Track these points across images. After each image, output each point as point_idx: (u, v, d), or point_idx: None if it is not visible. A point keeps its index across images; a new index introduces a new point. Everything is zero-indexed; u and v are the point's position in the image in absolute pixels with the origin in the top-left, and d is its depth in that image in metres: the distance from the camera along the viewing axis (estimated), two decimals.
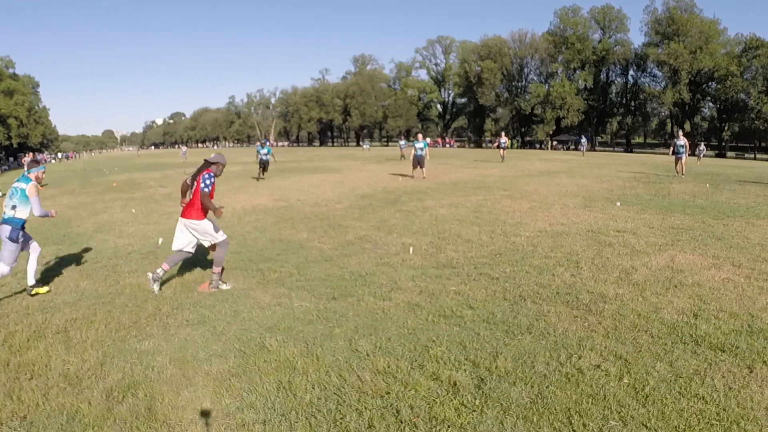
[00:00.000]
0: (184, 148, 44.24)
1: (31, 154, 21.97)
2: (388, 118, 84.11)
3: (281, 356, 3.63)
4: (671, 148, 17.89)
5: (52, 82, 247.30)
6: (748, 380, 3.12)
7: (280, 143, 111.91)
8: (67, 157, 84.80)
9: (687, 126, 58.15)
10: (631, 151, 58.22)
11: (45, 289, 5.37)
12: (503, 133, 32.51)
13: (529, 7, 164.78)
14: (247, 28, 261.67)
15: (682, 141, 17.94)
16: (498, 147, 28.85)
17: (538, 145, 66.12)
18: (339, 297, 4.92)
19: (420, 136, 18.07)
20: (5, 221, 5.10)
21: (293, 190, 14.73)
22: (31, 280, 5.31)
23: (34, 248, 5.47)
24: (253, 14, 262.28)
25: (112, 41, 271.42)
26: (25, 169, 5.53)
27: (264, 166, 18.25)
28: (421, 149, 17.13)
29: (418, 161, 17.20)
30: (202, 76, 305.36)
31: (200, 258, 6.68)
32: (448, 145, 75.41)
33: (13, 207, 5.13)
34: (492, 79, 65.43)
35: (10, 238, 5.04)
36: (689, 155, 18.23)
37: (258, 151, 18.53)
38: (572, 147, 57.60)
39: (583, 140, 42.50)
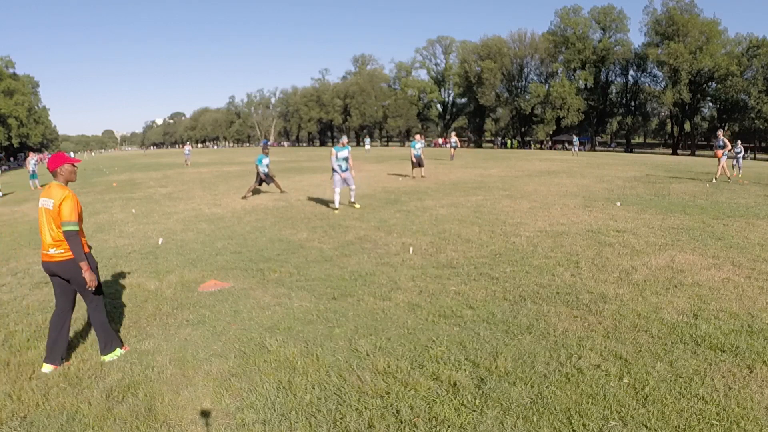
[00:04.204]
0: (188, 148, 35.24)
1: (30, 153, 21.96)
2: (388, 118, 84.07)
3: (281, 356, 3.62)
4: (730, 155, 16.90)
5: (52, 82, 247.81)
6: (748, 380, 3.11)
7: (280, 143, 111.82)
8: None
9: (687, 126, 58.17)
10: (631, 151, 58.22)
11: None
12: (453, 133, 34.50)
13: (529, 7, 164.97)
14: (247, 28, 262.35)
15: (739, 147, 17.29)
16: (450, 146, 30.66)
17: (538, 145, 66.14)
18: (339, 297, 4.92)
19: (418, 136, 18.44)
20: None
21: (293, 190, 14.73)
22: None
23: None
24: (253, 14, 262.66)
25: (111, 41, 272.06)
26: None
27: (262, 180, 13.36)
28: (419, 149, 17.50)
29: (418, 161, 17.37)
30: (202, 76, 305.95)
31: (200, 257, 6.68)
32: (446, 145, 75.34)
33: None
34: (492, 79, 65.37)
35: None
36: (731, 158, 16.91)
37: (259, 163, 13.16)
38: (567, 147, 57.43)
39: (575, 140, 41.10)
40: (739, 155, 17.65)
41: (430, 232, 8.00)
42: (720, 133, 16.34)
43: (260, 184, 13.52)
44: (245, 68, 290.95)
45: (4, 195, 18.01)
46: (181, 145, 69.00)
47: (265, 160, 13.24)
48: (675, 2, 52.65)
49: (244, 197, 13.24)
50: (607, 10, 60.89)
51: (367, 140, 59.17)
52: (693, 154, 49.64)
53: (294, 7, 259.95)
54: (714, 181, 15.86)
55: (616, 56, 60.80)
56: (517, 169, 22.11)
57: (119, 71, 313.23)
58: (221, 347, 3.83)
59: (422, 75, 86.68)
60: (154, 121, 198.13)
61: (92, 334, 4.16)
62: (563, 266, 5.80)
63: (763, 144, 55.28)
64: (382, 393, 3.09)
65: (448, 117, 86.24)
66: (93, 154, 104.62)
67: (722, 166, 16.07)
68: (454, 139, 31.04)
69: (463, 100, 78.99)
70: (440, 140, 79.12)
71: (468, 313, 4.38)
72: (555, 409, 2.84)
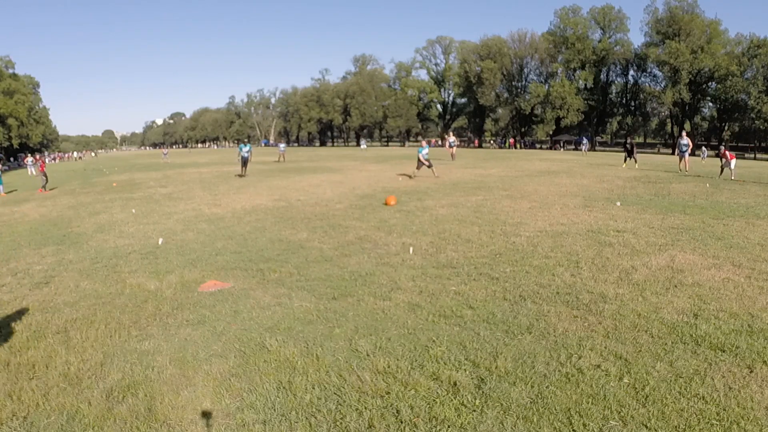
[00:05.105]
0: (165, 150, 54.91)
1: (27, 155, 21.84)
2: (388, 118, 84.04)
3: (281, 356, 3.62)
4: (676, 148, 19.34)
5: (52, 82, 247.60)
6: (748, 380, 3.11)
7: (280, 144, 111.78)
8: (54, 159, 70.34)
9: (687, 126, 58.24)
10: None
11: None
12: (451, 133, 35.06)
13: (529, 7, 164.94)
14: (247, 27, 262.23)
15: (685, 140, 19.66)
16: (448, 146, 31.22)
17: (538, 146, 66.21)
18: (339, 297, 4.92)
19: (424, 142, 19.34)
20: None
21: (293, 190, 14.73)
22: None
23: None
24: (253, 14, 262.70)
25: (112, 41, 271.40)
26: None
27: (244, 162, 20.25)
28: (427, 154, 18.21)
29: (426, 164, 17.91)
30: (202, 76, 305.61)
31: (200, 257, 6.68)
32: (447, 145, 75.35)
33: None
34: (492, 79, 65.38)
35: None
36: (690, 155, 19.41)
37: (240, 149, 20.59)
38: (572, 147, 57.84)
39: (584, 140, 45.93)
40: (685, 149, 19.61)
41: (430, 232, 8.00)
42: (684, 133, 20.11)
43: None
44: (245, 68, 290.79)
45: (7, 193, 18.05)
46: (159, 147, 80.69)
47: (245, 149, 20.32)
48: (677, 1, 52.68)
49: (241, 175, 19.38)
50: (605, 10, 60.89)
51: (362, 141, 60.67)
52: (692, 154, 49.62)
53: (294, 7, 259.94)
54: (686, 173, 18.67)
55: (616, 56, 60.80)
56: (517, 169, 22.11)
57: (119, 71, 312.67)
58: (221, 347, 3.83)
59: (422, 75, 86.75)
60: (154, 121, 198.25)
61: (92, 334, 4.16)
62: (563, 266, 5.80)
63: (763, 144, 55.26)
64: (382, 393, 3.09)
65: (448, 117, 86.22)
66: (93, 154, 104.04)
67: (686, 160, 19.22)
68: (452, 138, 31.52)
69: (463, 100, 79.03)
70: (438, 141, 79.22)
71: (468, 313, 4.38)
72: (555, 409, 2.84)
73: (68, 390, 3.24)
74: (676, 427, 2.66)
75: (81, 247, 7.75)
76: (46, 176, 19.36)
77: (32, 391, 3.22)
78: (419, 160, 17.88)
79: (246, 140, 20.08)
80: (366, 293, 5.00)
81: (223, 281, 5.56)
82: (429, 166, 17.80)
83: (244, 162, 20.09)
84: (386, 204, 11.03)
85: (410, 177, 17.82)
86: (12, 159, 63.97)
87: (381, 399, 3.02)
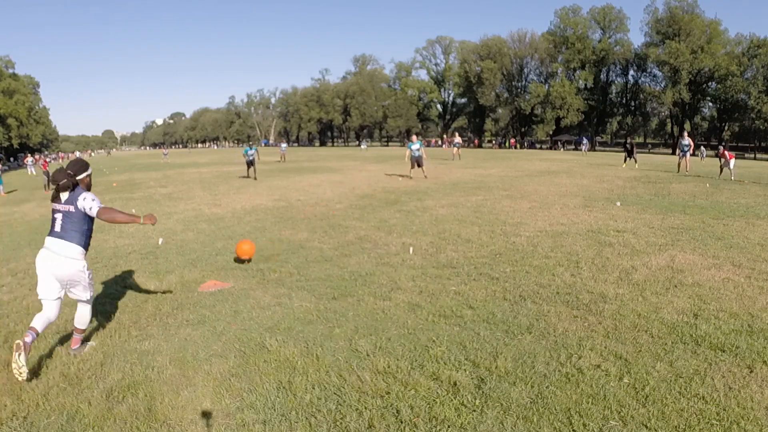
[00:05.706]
0: (165, 150, 58.21)
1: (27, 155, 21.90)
2: (388, 118, 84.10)
3: (281, 356, 3.62)
4: (677, 148, 19.54)
5: (52, 82, 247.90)
6: (748, 380, 3.11)
7: (281, 144, 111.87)
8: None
9: (687, 126, 58.28)
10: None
11: None
12: (457, 134, 35.49)
13: (529, 7, 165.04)
14: (247, 27, 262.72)
15: (687, 141, 19.80)
16: (451, 145, 31.55)
17: (538, 146, 66.26)
18: (339, 297, 4.92)
19: (414, 137, 18.51)
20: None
21: (293, 190, 14.73)
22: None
23: None
24: (253, 14, 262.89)
25: (112, 41, 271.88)
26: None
27: (250, 164, 20.01)
28: (418, 150, 17.57)
29: (417, 161, 17.45)
30: (202, 76, 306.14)
31: (200, 257, 6.68)
32: (445, 145, 75.43)
33: None
34: (492, 79, 65.41)
35: None
36: (691, 155, 19.57)
37: (245, 152, 20.21)
38: (572, 147, 57.93)
39: (584, 141, 46.78)
40: (686, 149, 19.68)
41: (430, 232, 8.00)
42: (685, 133, 20.59)
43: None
44: (245, 68, 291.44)
45: (9, 193, 18.05)
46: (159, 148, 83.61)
47: (250, 151, 20.09)
48: (677, 1, 52.72)
49: (247, 177, 19.80)
50: (606, 10, 60.94)
51: (363, 142, 61.09)
52: (693, 154, 49.67)
53: (294, 7, 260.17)
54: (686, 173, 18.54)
55: (616, 56, 60.84)
56: (517, 169, 22.11)
57: (119, 71, 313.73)
58: (221, 347, 3.83)
59: (422, 75, 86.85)
60: (154, 121, 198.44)
61: (92, 334, 4.16)
62: (563, 266, 5.80)
63: (763, 144, 55.26)
64: (382, 393, 3.09)
65: (448, 117, 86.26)
66: (92, 154, 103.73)
67: (686, 160, 19.41)
68: (457, 139, 31.62)
69: (463, 100, 79.10)
70: (438, 140, 79.22)
71: (468, 313, 4.38)
72: (555, 409, 2.84)
73: (68, 390, 3.24)
74: (676, 427, 2.66)
75: None
76: (48, 175, 19.36)
77: (32, 391, 3.22)
78: (411, 157, 17.59)
79: (249, 143, 19.71)
80: (366, 293, 5.00)
81: (223, 281, 5.56)
82: (419, 165, 17.47)
83: (249, 164, 19.94)
84: (238, 256, 6.34)
85: (410, 177, 17.81)
86: (12, 159, 63.98)
87: (381, 399, 3.02)
